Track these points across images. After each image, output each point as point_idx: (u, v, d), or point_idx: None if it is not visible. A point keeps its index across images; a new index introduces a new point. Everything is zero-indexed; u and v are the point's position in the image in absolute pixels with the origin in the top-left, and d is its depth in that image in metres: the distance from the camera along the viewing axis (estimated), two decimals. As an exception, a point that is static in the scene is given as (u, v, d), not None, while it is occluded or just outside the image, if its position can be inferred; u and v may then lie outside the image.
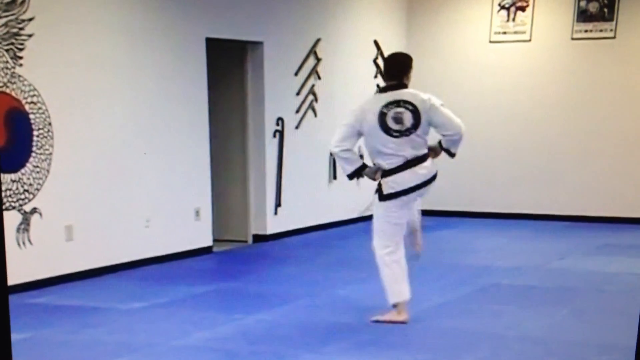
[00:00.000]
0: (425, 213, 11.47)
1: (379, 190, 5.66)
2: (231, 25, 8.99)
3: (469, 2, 11.45)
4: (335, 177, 10.53)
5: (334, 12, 10.51)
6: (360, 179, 6.17)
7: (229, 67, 9.54)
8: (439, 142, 5.76)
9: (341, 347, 5.26)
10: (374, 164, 5.74)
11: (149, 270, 7.89)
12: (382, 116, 5.55)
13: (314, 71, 10.13)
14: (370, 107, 5.63)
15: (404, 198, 5.62)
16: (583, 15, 10.82)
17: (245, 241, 9.61)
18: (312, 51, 10.10)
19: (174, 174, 8.40)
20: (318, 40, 10.16)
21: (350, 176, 5.82)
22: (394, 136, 5.55)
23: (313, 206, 10.30)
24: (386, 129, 5.54)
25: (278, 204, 9.70)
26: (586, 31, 10.81)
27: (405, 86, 5.70)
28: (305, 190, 10.16)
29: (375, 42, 11.18)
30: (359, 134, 5.70)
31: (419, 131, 5.58)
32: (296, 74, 9.91)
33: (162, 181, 8.27)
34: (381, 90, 5.83)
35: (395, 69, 5.75)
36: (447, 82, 11.47)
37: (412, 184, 5.60)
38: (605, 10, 10.68)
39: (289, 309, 6.31)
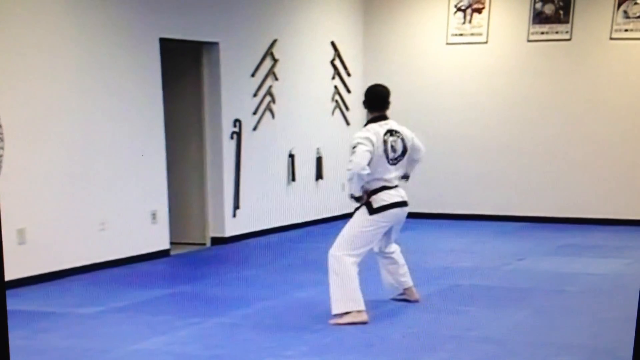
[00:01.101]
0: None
1: (368, 204, 5.94)
2: (185, 25, 8.86)
3: (425, 4, 11.45)
4: (294, 179, 10.46)
5: (290, 13, 10.44)
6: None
7: (185, 68, 9.41)
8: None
9: (303, 350, 5.20)
10: (361, 187, 5.92)
11: (104, 274, 7.75)
12: (385, 144, 5.93)
13: (271, 72, 10.04)
14: (376, 136, 5.91)
15: (387, 213, 5.95)
16: (539, 17, 10.88)
17: (204, 244, 9.49)
18: (269, 52, 10.01)
19: (129, 177, 8.26)
20: (275, 41, 10.07)
21: (354, 197, 5.94)
22: (392, 164, 5.98)
23: (272, 208, 10.21)
24: (387, 157, 5.94)
25: (236, 206, 9.60)
26: (542, 33, 10.87)
27: (388, 117, 6.09)
28: (264, 193, 10.07)
29: (333, 43, 11.13)
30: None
31: (404, 159, 6.07)
32: (253, 75, 9.82)
33: (118, 184, 8.14)
34: (373, 120, 6.05)
35: (383, 101, 6.12)
36: (405, 84, 11.44)
37: (398, 200, 6.02)
38: (561, 12, 10.75)
39: (249, 312, 6.23)
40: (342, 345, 5.31)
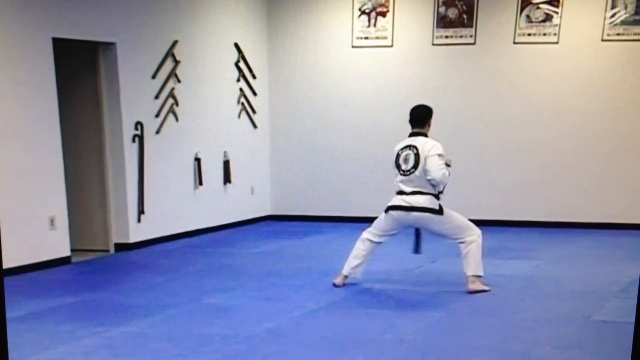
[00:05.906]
0: (293, 218, 11.44)
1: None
2: (80, 24, 8.50)
3: (329, 7, 11.38)
4: (201, 183, 10.24)
5: (191, 13, 10.16)
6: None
7: (80, 69, 9.10)
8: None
9: (214, 358, 5.04)
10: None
11: None
12: (397, 157, 6.95)
13: (172, 74, 9.79)
14: (397, 149, 7.12)
15: (390, 213, 6.95)
16: (443, 21, 10.95)
17: (107, 250, 9.21)
18: (170, 53, 9.75)
19: (24, 181, 7.93)
20: (175, 42, 9.81)
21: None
22: (403, 174, 6.88)
23: (179, 213, 9.98)
24: (398, 167, 6.91)
25: (141, 211, 9.33)
26: (446, 37, 10.95)
27: (421, 134, 6.96)
28: (170, 197, 9.83)
29: (237, 45, 10.96)
30: None
31: (417, 173, 6.77)
32: (154, 76, 9.54)
33: (11, 189, 7.79)
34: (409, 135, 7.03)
35: (413, 120, 7.10)
36: (310, 87, 11.42)
37: (398, 204, 6.87)
38: (465, 16, 10.85)
39: (157, 319, 6.02)
40: (255, 352, 5.17)
